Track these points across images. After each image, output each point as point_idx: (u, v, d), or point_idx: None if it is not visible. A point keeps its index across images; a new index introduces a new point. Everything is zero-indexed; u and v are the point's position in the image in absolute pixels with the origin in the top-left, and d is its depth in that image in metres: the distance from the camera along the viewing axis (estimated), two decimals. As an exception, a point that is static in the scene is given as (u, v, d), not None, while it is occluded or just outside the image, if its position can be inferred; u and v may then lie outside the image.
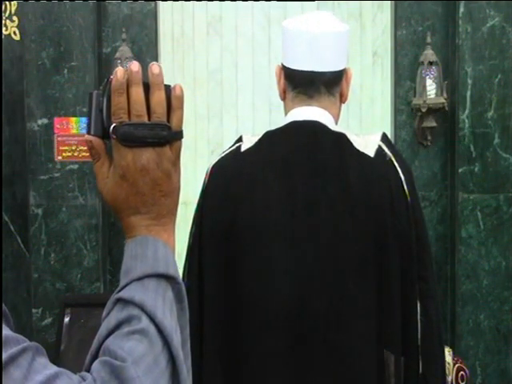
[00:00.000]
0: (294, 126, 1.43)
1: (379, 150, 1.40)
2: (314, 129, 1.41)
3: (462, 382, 2.75)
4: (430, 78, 3.06)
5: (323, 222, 1.35)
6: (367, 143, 1.41)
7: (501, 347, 3.10)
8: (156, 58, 3.18)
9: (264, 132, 1.46)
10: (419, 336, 1.37)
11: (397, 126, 3.18)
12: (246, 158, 1.42)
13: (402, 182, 1.38)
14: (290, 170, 1.38)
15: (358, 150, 1.39)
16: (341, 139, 1.40)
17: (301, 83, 1.44)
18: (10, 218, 3.23)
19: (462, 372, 2.75)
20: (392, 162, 1.39)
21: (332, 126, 1.43)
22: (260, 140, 1.44)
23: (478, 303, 3.08)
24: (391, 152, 1.41)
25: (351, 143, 1.40)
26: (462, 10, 3.03)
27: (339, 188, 1.36)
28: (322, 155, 1.39)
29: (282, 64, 1.47)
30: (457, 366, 2.74)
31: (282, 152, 1.40)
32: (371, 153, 1.39)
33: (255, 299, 1.36)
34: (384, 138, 1.44)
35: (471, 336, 3.08)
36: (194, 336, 1.41)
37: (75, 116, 3.05)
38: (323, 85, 1.43)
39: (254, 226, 1.37)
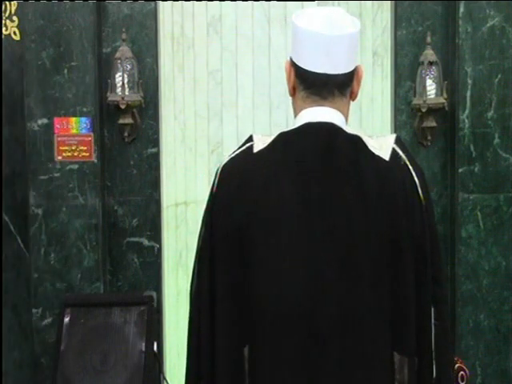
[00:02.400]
0: (309, 127, 1.41)
1: (394, 153, 1.40)
2: (328, 131, 1.40)
3: (462, 382, 2.75)
4: (430, 77, 3.06)
5: (338, 224, 1.34)
6: (381, 146, 1.41)
7: (501, 347, 3.10)
8: (156, 58, 3.18)
9: (278, 133, 1.43)
10: (433, 340, 1.37)
11: (397, 126, 3.18)
12: (260, 159, 1.40)
13: (416, 186, 1.38)
14: (305, 172, 1.37)
15: (373, 153, 1.38)
16: (356, 142, 1.39)
17: (313, 84, 1.42)
18: (10, 218, 3.23)
19: (462, 372, 2.75)
20: (407, 165, 1.39)
21: (345, 128, 1.42)
22: (274, 141, 1.42)
23: (477, 303, 3.08)
24: (405, 155, 1.41)
25: (366, 146, 1.39)
26: (461, 10, 3.03)
27: (354, 191, 1.35)
28: (337, 158, 1.38)
29: (292, 60, 1.45)
30: (457, 365, 2.74)
31: (297, 154, 1.39)
32: (386, 156, 1.39)
33: (268, 300, 1.35)
34: (398, 140, 1.44)
35: (471, 336, 3.08)
36: (205, 336, 1.41)
37: (75, 116, 3.05)
38: (336, 87, 1.42)
39: (267, 228, 1.36)
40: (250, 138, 1.46)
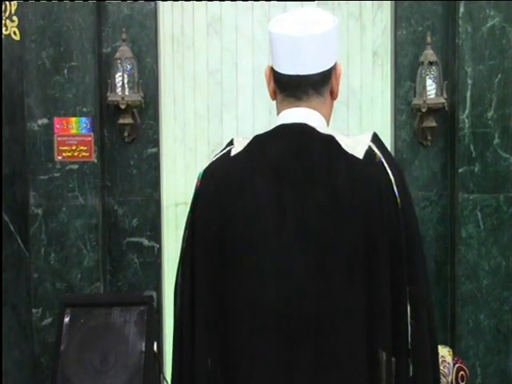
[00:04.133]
0: (282, 129, 1.42)
1: (369, 151, 1.38)
2: (301, 132, 1.40)
3: (462, 382, 2.75)
4: (430, 78, 3.06)
5: (312, 226, 1.34)
6: (357, 144, 1.39)
7: (501, 347, 3.10)
8: (156, 58, 3.18)
9: (253, 136, 1.45)
10: (409, 340, 1.36)
11: (397, 126, 3.18)
12: (235, 163, 1.41)
13: (391, 184, 1.36)
14: (279, 175, 1.37)
15: (346, 152, 1.37)
16: (329, 141, 1.39)
17: (288, 86, 1.43)
18: (10, 218, 3.23)
19: (461, 372, 2.75)
20: (382, 163, 1.37)
21: (321, 127, 1.42)
22: (249, 144, 1.43)
23: (478, 303, 3.08)
24: (381, 152, 1.39)
25: (339, 145, 1.38)
26: (461, 10, 3.03)
27: (327, 192, 1.35)
28: (310, 159, 1.37)
29: (271, 65, 1.47)
30: (457, 366, 2.74)
31: (271, 157, 1.39)
32: (360, 154, 1.37)
33: (244, 302, 1.36)
34: (374, 137, 1.42)
35: (471, 336, 3.08)
36: (187, 336, 1.42)
37: (75, 116, 3.05)
38: (310, 86, 1.42)
39: (243, 231, 1.37)
40: (231, 142, 1.48)
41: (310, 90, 1.42)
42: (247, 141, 1.44)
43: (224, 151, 1.46)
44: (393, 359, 1.35)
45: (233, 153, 1.43)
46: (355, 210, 1.34)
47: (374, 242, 1.33)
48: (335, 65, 1.45)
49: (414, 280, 1.37)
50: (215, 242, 1.38)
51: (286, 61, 1.41)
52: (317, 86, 1.43)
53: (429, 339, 1.39)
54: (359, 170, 1.36)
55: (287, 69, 1.42)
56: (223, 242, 1.37)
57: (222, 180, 1.41)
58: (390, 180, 1.36)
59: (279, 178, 1.37)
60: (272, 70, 1.46)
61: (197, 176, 1.47)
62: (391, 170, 1.37)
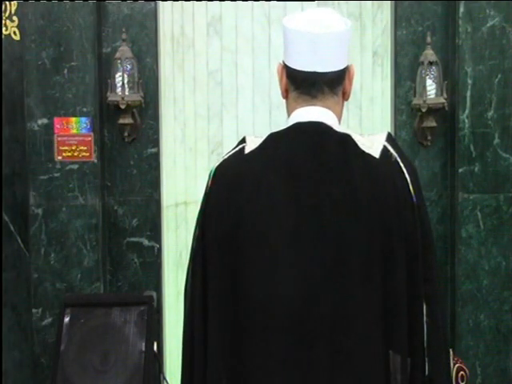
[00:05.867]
0: (299, 127, 1.42)
1: (384, 151, 1.39)
2: (318, 130, 1.40)
3: (462, 382, 2.75)
4: (430, 78, 3.06)
5: (328, 224, 1.34)
6: (372, 143, 1.40)
7: (501, 347, 3.10)
8: (156, 58, 3.18)
9: (268, 133, 1.44)
10: (425, 338, 1.36)
11: (397, 126, 3.18)
12: (250, 161, 1.41)
13: (407, 183, 1.37)
14: (295, 173, 1.37)
15: (362, 151, 1.38)
16: (345, 140, 1.39)
17: (303, 83, 1.43)
18: (10, 218, 3.23)
19: (462, 372, 2.75)
20: (397, 162, 1.38)
21: (336, 126, 1.42)
22: (264, 142, 1.42)
23: (478, 303, 3.08)
24: (396, 152, 1.40)
25: (356, 144, 1.38)
26: (461, 9, 3.03)
27: (344, 190, 1.35)
28: (327, 157, 1.37)
29: (284, 62, 1.46)
30: (457, 366, 2.74)
31: (287, 154, 1.39)
32: (376, 153, 1.38)
33: (259, 301, 1.35)
34: (389, 138, 1.43)
35: (471, 336, 3.08)
36: (198, 337, 1.42)
37: (75, 116, 3.05)
38: (326, 85, 1.42)
39: (258, 229, 1.36)
40: (243, 140, 1.47)
41: (325, 89, 1.42)
42: (261, 139, 1.44)
43: (236, 149, 1.45)
44: (408, 358, 1.35)
45: (247, 150, 1.42)
46: (372, 208, 1.34)
47: (390, 240, 1.34)
48: (348, 66, 1.46)
49: (428, 279, 1.38)
50: (227, 241, 1.37)
51: (302, 57, 1.41)
52: (332, 85, 1.43)
53: (443, 336, 1.40)
54: (376, 169, 1.37)
55: (303, 65, 1.41)
56: (236, 241, 1.37)
57: (235, 178, 1.40)
58: (406, 179, 1.38)
59: (295, 176, 1.37)
60: (285, 66, 1.46)
61: (208, 174, 1.46)
62: (407, 169, 1.39)
